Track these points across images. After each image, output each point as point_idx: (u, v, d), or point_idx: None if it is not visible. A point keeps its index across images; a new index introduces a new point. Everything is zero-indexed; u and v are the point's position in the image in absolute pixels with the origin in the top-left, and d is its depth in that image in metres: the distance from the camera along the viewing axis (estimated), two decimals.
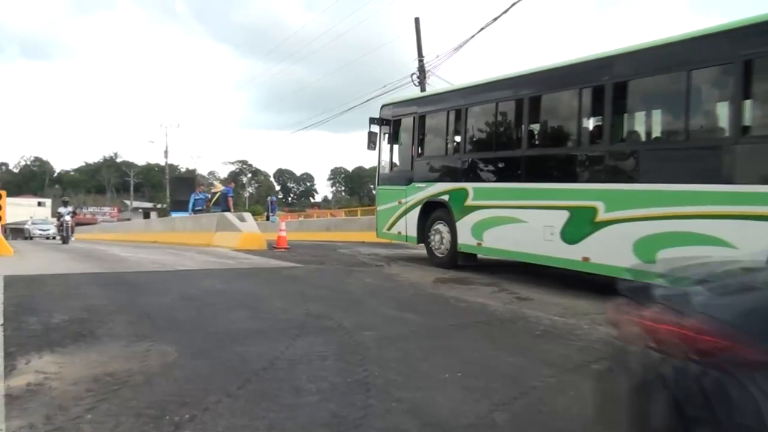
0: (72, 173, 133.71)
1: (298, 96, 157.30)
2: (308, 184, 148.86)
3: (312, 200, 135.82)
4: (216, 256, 15.11)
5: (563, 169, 10.23)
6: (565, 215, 9.74)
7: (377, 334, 6.49)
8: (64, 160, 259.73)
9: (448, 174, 12.74)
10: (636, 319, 2.57)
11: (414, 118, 13.68)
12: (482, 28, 23.16)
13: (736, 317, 2.15)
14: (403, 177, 13.93)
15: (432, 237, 13.08)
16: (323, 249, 17.94)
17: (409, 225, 13.63)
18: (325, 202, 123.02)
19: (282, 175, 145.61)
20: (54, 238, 49.27)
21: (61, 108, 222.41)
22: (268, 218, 35.69)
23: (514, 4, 20.74)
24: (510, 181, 11.23)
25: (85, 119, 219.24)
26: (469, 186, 11.98)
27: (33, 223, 56.17)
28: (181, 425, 3.89)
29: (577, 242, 9.53)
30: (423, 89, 24.76)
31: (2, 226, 16.49)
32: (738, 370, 2.00)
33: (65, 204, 27.60)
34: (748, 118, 7.63)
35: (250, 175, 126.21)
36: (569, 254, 9.68)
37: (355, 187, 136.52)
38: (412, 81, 26.03)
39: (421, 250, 14.30)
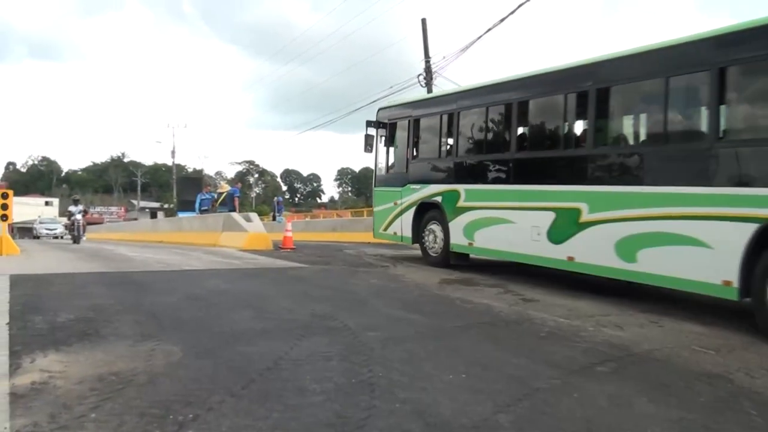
0: (79, 173, 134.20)
1: (306, 96, 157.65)
2: (315, 184, 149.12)
3: (319, 201, 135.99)
4: (222, 256, 15.13)
5: (549, 172, 10.47)
6: (551, 216, 10.04)
7: (382, 335, 6.49)
8: (71, 160, 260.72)
9: (441, 176, 13.05)
10: None
11: (409, 121, 14.00)
12: (489, 29, 23.18)
13: None
14: (398, 179, 14.23)
15: (426, 237, 13.36)
16: (329, 249, 17.94)
17: (405, 225, 13.91)
18: (332, 203, 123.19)
19: (289, 175, 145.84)
20: (61, 237, 49.27)
21: (68, 108, 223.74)
22: (274, 218, 35.68)
23: (521, 5, 20.72)
24: (499, 183, 11.60)
25: (92, 119, 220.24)
26: (461, 187, 12.27)
27: (40, 223, 56.00)
28: (185, 425, 3.89)
29: (563, 242, 9.83)
30: (430, 90, 24.76)
31: (9, 225, 16.52)
32: None
33: (76, 202, 26.92)
34: (723, 124, 7.83)
35: (257, 176, 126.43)
36: (555, 254, 9.99)
37: (362, 188, 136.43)
38: (419, 82, 26.03)
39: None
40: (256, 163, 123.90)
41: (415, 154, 13.91)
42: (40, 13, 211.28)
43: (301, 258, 14.74)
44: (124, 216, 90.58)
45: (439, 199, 12.79)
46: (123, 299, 8.35)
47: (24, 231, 61.44)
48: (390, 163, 14.87)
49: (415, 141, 13.94)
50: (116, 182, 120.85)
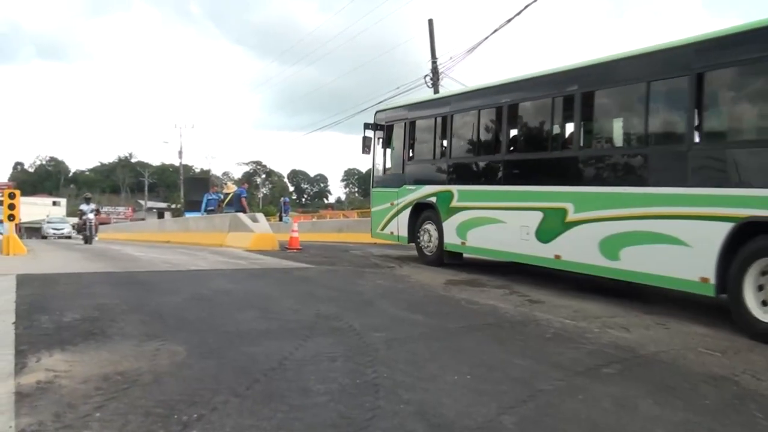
0: (87, 173, 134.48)
1: (313, 97, 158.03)
2: (322, 185, 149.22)
3: (326, 201, 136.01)
4: (228, 257, 15.14)
5: (537, 173, 10.83)
6: (539, 216, 10.38)
7: (387, 336, 6.48)
8: (79, 160, 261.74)
9: (435, 177, 13.38)
10: None
11: (405, 123, 14.36)
12: (495, 30, 23.22)
13: None
14: (395, 180, 14.61)
15: (421, 236, 13.72)
16: (335, 250, 17.94)
17: (401, 225, 14.28)
18: (339, 204, 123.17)
19: (296, 176, 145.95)
20: (69, 237, 49.21)
21: (76, 108, 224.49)
22: (281, 219, 35.68)
23: (527, 6, 20.73)
24: (490, 183, 11.98)
25: (100, 119, 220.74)
26: (454, 188, 12.64)
27: (48, 222, 55.91)
28: (189, 424, 3.90)
29: (550, 241, 10.16)
30: (436, 91, 24.76)
31: (17, 225, 16.58)
32: None
33: (87, 201, 25.55)
34: (700, 127, 8.07)
35: (264, 176, 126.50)
36: (543, 252, 10.33)
37: (369, 189, 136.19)
38: (425, 83, 26.04)
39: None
40: (264, 163, 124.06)
41: (411, 155, 14.25)
42: (47, 13, 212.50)
43: (307, 258, 14.74)
44: (131, 216, 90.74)
45: (433, 199, 13.14)
46: (128, 299, 8.36)
47: (31, 231, 61.58)
48: (387, 165, 15.24)
49: (410, 143, 14.26)
50: (124, 182, 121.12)
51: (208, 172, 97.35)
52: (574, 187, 9.76)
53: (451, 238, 12.68)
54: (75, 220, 61.13)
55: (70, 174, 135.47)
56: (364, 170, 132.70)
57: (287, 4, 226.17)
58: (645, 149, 8.90)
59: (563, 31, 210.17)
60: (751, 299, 7.16)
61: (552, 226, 10.08)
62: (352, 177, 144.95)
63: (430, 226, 13.40)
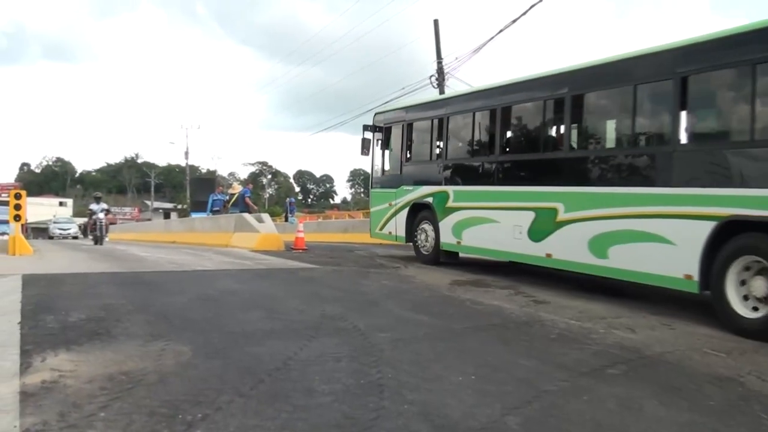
0: (93, 173, 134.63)
1: (319, 98, 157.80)
2: (328, 185, 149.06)
3: (331, 201, 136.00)
4: (234, 257, 15.17)
5: (529, 174, 11.23)
6: (531, 215, 10.65)
7: (392, 336, 6.48)
8: (85, 161, 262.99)
9: (432, 177, 13.63)
10: None
11: (403, 125, 14.68)
12: (501, 30, 23.15)
13: None
14: (393, 180, 14.95)
15: (418, 236, 14.01)
16: (340, 250, 17.95)
17: (399, 225, 14.58)
18: (344, 204, 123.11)
19: (302, 176, 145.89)
20: (75, 237, 49.20)
21: (83, 109, 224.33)
22: (286, 219, 35.74)
23: (533, 6, 20.68)
24: (484, 184, 12.21)
25: (106, 120, 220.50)
26: (450, 189, 12.95)
27: (55, 222, 55.91)
28: (194, 424, 3.90)
29: (541, 240, 10.42)
30: (442, 91, 24.74)
31: (23, 225, 16.64)
32: None
33: (98, 200, 24.38)
34: (684, 128, 8.38)
35: (270, 177, 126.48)
36: (535, 251, 10.58)
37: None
38: (431, 83, 26.00)
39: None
40: (269, 164, 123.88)
41: (408, 156, 14.58)
42: (53, 14, 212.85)
43: (313, 259, 14.76)
44: (137, 217, 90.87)
45: (430, 200, 13.44)
46: (134, 299, 8.38)
47: (38, 231, 61.71)
48: (386, 166, 15.56)
49: (408, 144, 14.58)
50: (130, 183, 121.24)
51: (214, 172, 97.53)
52: (564, 187, 10.05)
53: (447, 238, 12.97)
54: (82, 220, 61.30)
55: (77, 174, 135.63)
56: (369, 171, 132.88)
57: (293, 5, 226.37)
58: (632, 150, 9.18)
59: (569, 31, 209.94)
60: (733, 295, 7.40)
61: (543, 226, 10.35)
62: (357, 177, 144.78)
63: (427, 226, 13.68)
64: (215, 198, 25.52)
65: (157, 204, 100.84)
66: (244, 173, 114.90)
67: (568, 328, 7.19)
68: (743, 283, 7.35)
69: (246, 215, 20.68)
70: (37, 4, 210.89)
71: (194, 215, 34.90)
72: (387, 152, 15.39)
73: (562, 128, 10.55)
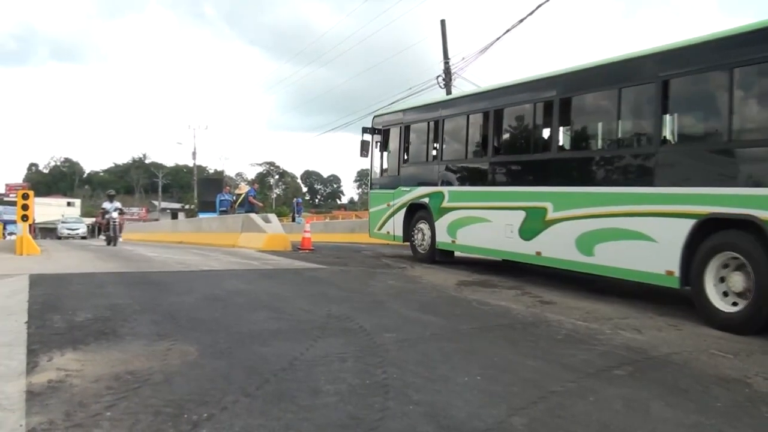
0: (101, 174, 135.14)
1: (326, 98, 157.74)
2: (335, 185, 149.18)
3: (339, 202, 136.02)
4: (241, 257, 15.18)
5: (520, 174, 11.64)
6: (522, 215, 10.98)
7: (398, 337, 6.48)
8: (93, 161, 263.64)
9: (428, 178, 14.00)
10: None
11: (401, 127, 15.11)
12: (508, 30, 23.07)
13: None
14: (391, 181, 15.39)
15: (415, 235, 14.40)
16: (347, 251, 17.96)
17: (396, 225, 14.97)
18: (351, 204, 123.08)
19: (309, 176, 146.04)
20: (84, 237, 49.14)
21: (91, 110, 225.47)
22: (293, 219, 35.74)
23: (539, 5, 20.62)
24: (477, 184, 12.64)
25: (114, 121, 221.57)
26: (445, 189, 13.33)
27: (63, 222, 55.81)
28: (199, 424, 3.90)
29: (532, 238, 10.75)
30: (449, 92, 24.70)
31: (31, 225, 16.68)
32: None
33: (111, 198, 22.80)
34: (665, 130, 8.81)
35: (277, 177, 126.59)
36: (525, 249, 10.91)
37: None
38: (438, 83, 25.95)
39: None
40: (277, 164, 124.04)
41: (405, 158, 14.97)
42: (62, 16, 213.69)
43: (319, 259, 14.76)
44: (145, 217, 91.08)
45: (426, 200, 13.83)
46: (141, 299, 8.39)
47: (46, 231, 61.83)
48: (384, 167, 15.94)
49: (405, 146, 14.99)
50: (138, 183, 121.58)
51: (221, 172, 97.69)
52: (553, 187, 10.41)
53: (442, 237, 13.32)
54: (90, 220, 61.32)
55: (85, 175, 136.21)
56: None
57: (301, 6, 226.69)
58: (616, 151, 9.53)
59: (576, 31, 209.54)
60: (711, 291, 7.71)
61: (533, 225, 10.67)
62: (364, 178, 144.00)
63: (423, 226, 14.05)
64: (222, 198, 25.59)
65: (164, 204, 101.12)
66: (251, 173, 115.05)
67: (575, 329, 7.18)
68: (722, 280, 7.64)
69: (253, 215, 20.69)
70: (46, 6, 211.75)
71: (202, 215, 34.93)
72: (385, 154, 15.78)
73: (551, 130, 10.87)
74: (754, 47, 7.46)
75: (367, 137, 16.05)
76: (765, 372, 5.62)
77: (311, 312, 7.79)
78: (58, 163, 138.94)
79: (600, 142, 10.28)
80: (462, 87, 24.16)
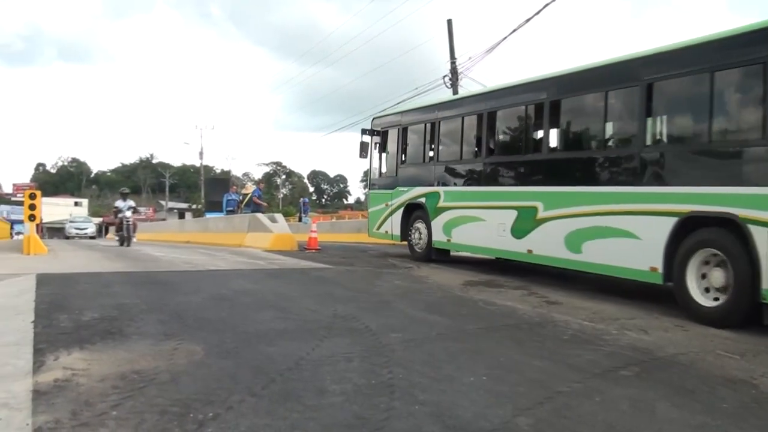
0: (108, 174, 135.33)
1: (332, 98, 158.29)
2: (342, 185, 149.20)
3: (345, 202, 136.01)
4: (247, 257, 15.21)
5: (512, 174, 11.92)
6: (513, 214, 11.27)
7: (404, 336, 6.48)
8: (100, 161, 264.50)
9: (425, 179, 14.30)
10: None
11: (398, 129, 15.45)
12: (514, 30, 23.06)
13: None
14: (389, 182, 15.73)
15: (412, 234, 14.71)
16: (353, 250, 17.98)
17: (394, 225, 15.28)
18: (358, 204, 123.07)
19: (316, 176, 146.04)
20: (93, 237, 48.96)
21: (98, 110, 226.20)
22: (300, 219, 35.77)
23: (546, 5, 20.61)
24: (472, 184, 12.91)
25: (121, 121, 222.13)
26: (441, 189, 13.64)
27: (71, 222, 55.48)
28: (205, 423, 3.91)
29: (523, 237, 11.04)
30: (455, 91, 24.69)
31: (39, 225, 16.71)
32: None
33: (124, 197, 21.72)
34: (649, 131, 8.96)
35: (284, 177, 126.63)
36: (517, 247, 11.19)
37: None
38: (444, 83, 25.95)
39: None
40: (284, 164, 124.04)
41: (403, 159, 15.30)
42: (69, 16, 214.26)
43: (326, 259, 14.79)
44: (152, 217, 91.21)
45: (423, 200, 14.15)
46: (148, 299, 8.42)
47: (53, 231, 61.85)
48: (383, 168, 16.30)
49: (403, 147, 15.30)
50: (145, 183, 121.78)
51: (228, 172, 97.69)
52: (543, 187, 10.74)
53: (438, 236, 13.62)
54: (98, 219, 61.28)
55: (92, 175, 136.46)
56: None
57: (308, 6, 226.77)
58: (602, 152, 9.89)
59: (583, 31, 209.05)
60: (693, 286, 7.97)
61: (525, 223, 10.95)
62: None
63: (420, 225, 14.37)
64: (229, 198, 25.64)
65: (171, 204, 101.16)
66: (258, 173, 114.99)
67: (581, 329, 7.17)
68: (704, 276, 7.90)
69: (259, 215, 20.72)
70: (53, 7, 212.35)
71: (209, 215, 34.99)
72: (384, 155, 16.13)
73: (542, 132, 11.10)
74: (731, 52, 7.78)
75: (366, 139, 16.43)
76: None
77: (317, 312, 7.80)
78: (66, 163, 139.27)
79: (588, 143, 10.51)
80: (469, 87, 24.15)
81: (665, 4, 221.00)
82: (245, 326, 6.82)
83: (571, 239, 9.89)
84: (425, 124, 14.48)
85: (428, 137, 14.33)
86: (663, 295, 9.46)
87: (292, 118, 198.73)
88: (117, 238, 22.03)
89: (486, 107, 12.52)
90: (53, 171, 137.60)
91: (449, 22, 26.35)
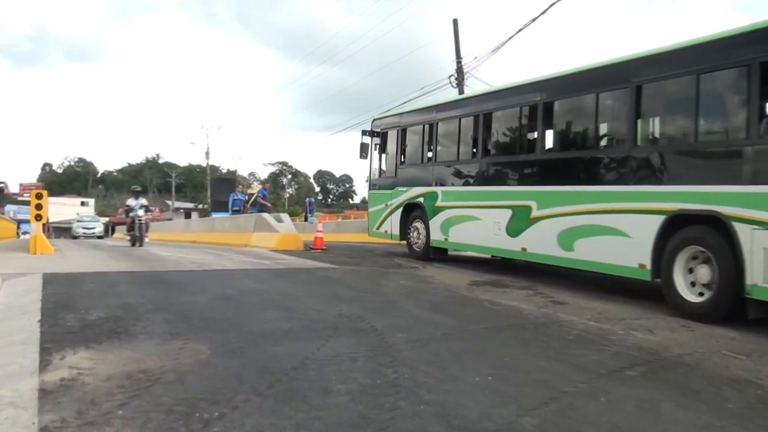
0: (115, 174, 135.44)
1: (338, 98, 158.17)
2: (347, 185, 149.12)
3: (351, 201, 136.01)
4: (253, 257, 15.23)
5: (507, 174, 12.11)
6: (508, 213, 11.52)
7: (409, 336, 6.48)
8: (107, 161, 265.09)
9: (423, 179, 14.53)
10: None
11: (398, 130, 15.72)
12: (520, 29, 23.02)
13: None
14: (389, 182, 15.96)
15: (411, 233, 14.96)
16: (359, 250, 18.00)
17: (394, 224, 15.52)
18: (364, 204, 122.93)
19: (322, 176, 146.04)
20: (100, 237, 48.75)
21: (104, 110, 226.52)
22: (306, 219, 35.83)
23: (552, 4, 20.60)
24: (468, 184, 13.12)
25: (128, 121, 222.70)
26: (439, 189, 13.88)
27: (78, 221, 55.20)
28: (210, 423, 3.92)
29: (518, 235, 11.27)
30: (461, 91, 24.69)
31: (45, 225, 16.74)
32: None
33: (136, 195, 21.15)
34: (639, 132, 9.21)
35: (290, 177, 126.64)
36: (512, 246, 11.45)
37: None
38: (450, 83, 25.92)
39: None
40: (290, 164, 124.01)
41: (402, 160, 15.53)
42: (75, 17, 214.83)
43: (331, 259, 14.81)
44: (159, 216, 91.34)
45: (421, 200, 14.38)
46: (153, 298, 8.44)
47: (60, 231, 61.90)
48: (382, 169, 16.55)
49: (402, 148, 15.56)
50: (151, 183, 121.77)
51: (234, 172, 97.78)
52: (537, 186, 10.97)
53: (436, 235, 13.88)
54: (104, 219, 61.20)
55: (99, 175, 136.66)
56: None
57: (313, 6, 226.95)
58: (594, 152, 10.06)
59: (590, 30, 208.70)
60: (680, 282, 8.22)
61: (519, 222, 11.20)
62: None
63: (418, 224, 14.63)
64: (235, 197, 25.69)
65: (177, 204, 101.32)
66: (264, 173, 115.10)
67: (587, 329, 7.16)
68: (691, 271, 8.14)
69: (265, 215, 20.75)
70: (59, 7, 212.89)
71: (215, 215, 35.04)
72: (384, 156, 16.41)
73: (536, 132, 11.38)
74: (716, 55, 8.02)
75: (367, 140, 16.69)
76: None
77: (323, 311, 7.81)
78: (72, 163, 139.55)
79: (580, 144, 10.68)
80: (474, 86, 24.18)
81: (673, 3, 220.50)
82: (251, 326, 6.83)
83: (564, 237, 10.13)
84: (423, 126, 14.71)
85: (426, 138, 14.58)
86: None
87: (298, 118, 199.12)
88: (128, 237, 21.37)
89: (481, 109, 12.80)
90: (60, 171, 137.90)
91: (455, 21, 26.33)
